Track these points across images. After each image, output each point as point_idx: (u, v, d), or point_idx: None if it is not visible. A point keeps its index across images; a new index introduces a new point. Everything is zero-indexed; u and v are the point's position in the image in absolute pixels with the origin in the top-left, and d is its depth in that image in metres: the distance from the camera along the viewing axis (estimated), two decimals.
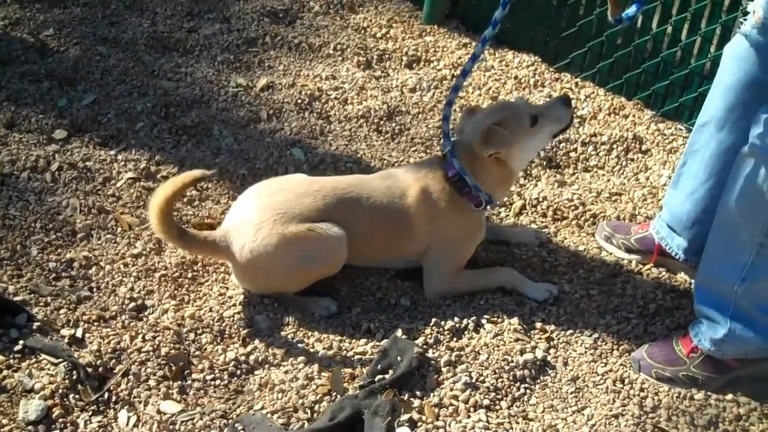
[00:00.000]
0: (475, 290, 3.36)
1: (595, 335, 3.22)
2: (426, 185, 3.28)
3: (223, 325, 3.07)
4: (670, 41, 4.45)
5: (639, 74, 4.60)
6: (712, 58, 4.23)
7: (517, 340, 3.12)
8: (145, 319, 3.08)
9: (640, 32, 4.51)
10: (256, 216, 3.08)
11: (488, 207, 3.40)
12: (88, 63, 4.51)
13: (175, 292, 3.21)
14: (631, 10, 3.09)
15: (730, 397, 3.00)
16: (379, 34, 5.08)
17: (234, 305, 3.16)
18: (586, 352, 3.14)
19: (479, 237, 3.41)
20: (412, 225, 3.26)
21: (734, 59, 3.02)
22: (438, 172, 3.30)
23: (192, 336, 3.01)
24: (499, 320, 3.20)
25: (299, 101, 4.39)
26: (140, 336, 2.96)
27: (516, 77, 4.78)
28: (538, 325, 3.22)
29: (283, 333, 3.07)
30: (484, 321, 3.19)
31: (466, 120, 3.43)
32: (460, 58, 4.89)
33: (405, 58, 4.88)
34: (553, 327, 3.22)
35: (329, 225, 3.11)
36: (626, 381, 3.02)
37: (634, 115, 4.54)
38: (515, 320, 3.19)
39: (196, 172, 3.06)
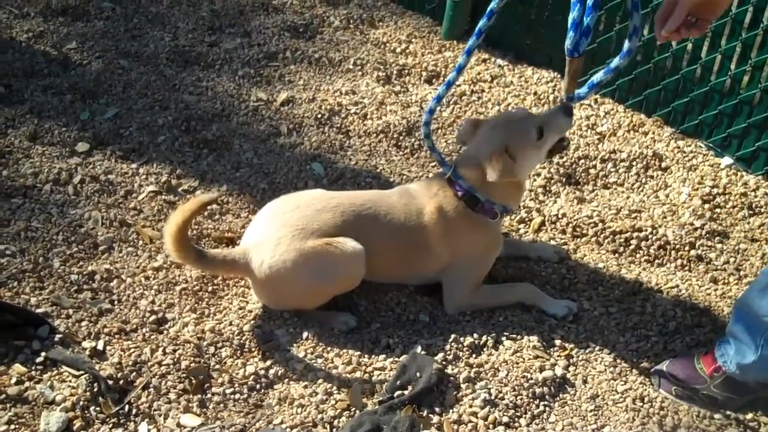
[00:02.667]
0: (494, 305, 3.36)
1: (615, 353, 3.21)
2: (440, 204, 3.29)
3: (243, 338, 3.08)
4: (690, 58, 4.44)
5: (659, 91, 4.59)
6: (732, 75, 4.22)
7: (536, 357, 3.11)
8: (165, 332, 3.09)
9: (660, 49, 4.50)
10: (275, 232, 3.10)
11: (505, 215, 3.39)
12: (111, 76, 4.55)
13: (196, 305, 3.23)
14: (583, 90, 3.10)
15: (750, 416, 2.99)
16: (398, 50, 5.10)
17: (254, 319, 3.17)
18: (605, 369, 3.13)
19: (497, 250, 3.42)
20: (429, 242, 3.27)
21: None
22: (449, 191, 3.31)
23: (212, 350, 3.02)
24: (519, 337, 3.20)
25: (319, 116, 4.41)
26: (161, 349, 2.98)
27: (535, 93, 4.78)
28: (558, 342, 3.21)
29: (302, 347, 3.08)
30: (503, 338, 3.19)
31: (469, 133, 3.39)
32: (479, 73, 4.90)
33: (424, 74, 4.90)
34: (572, 344, 3.21)
35: (347, 240, 3.11)
36: (646, 399, 3.00)
37: (653, 132, 4.53)
38: (534, 337, 3.18)
39: (204, 198, 3.05)
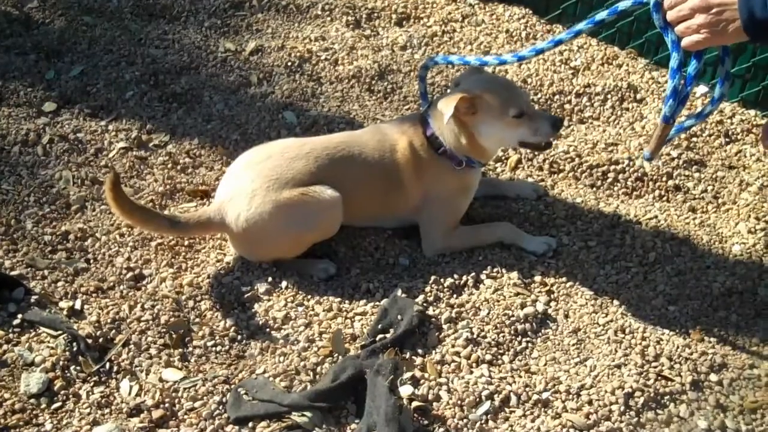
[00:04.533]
0: (473, 246, 3.35)
1: (595, 286, 3.22)
2: (411, 140, 3.26)
3: (222, 291, 3.06)
4: None
5: (631, 22, 4.54)
6: None
7: (517, 294, 3.11)
8: (143, 288, 3.07)
9: None
10: (249, 185, 3.06)
11: (471, 166, 3.31)
12: (74, 34, 4.46)
13: (173, 260, 3.20)
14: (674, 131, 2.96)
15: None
16: None
17: (232, 271, 3.14)
18: (586, 303, 3.13)
19: (470, 193, 3.39)
20: (402, 179, 3.25)
21: None
22: (419, 128, 3.29)
23: (191, 303, 3.00)
24: (499, 275, 3.19)
25: (289, 64, 4.34)
26: (139, 305, 2.95)
27: (507, 31, 4.73)
28: (538, 278, 3.21)
29: (282, 297, 3.06)
30: (483, 276, 3.18)
31: (466, 77, 3.36)
32: (449, 13, 4.83)
33: (394, 16, 4.83)
34: (552, 280, 3.21)
35: (323, 188, 3.08)
36: (627, 331, 3.01)
37: (627, 64, 4.49)
38: (515, 274, 3.18)
39: (107, 182, 2.95)
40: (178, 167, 3.63)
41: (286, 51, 4.43)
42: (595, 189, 3.71)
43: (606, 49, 4.61)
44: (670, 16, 2.54)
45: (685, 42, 2.53)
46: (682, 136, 3.93)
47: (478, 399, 2.70)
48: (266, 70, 4.30)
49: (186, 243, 3.28)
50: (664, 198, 3.68)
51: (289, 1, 4.85)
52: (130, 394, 2.68)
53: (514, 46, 4.61)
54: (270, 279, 3.12)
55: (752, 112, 4.15)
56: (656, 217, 3.53)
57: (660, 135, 2.85)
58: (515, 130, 3.20)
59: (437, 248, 3.32)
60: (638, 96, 4.25)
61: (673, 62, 2.65)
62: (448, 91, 3.41)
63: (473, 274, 3.19)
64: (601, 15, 2.87)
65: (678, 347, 2.97)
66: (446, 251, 3.33)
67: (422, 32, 4.68)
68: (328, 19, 4.77)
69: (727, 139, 3.99)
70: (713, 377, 2.86)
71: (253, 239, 3.10)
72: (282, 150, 3.18)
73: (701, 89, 4.25)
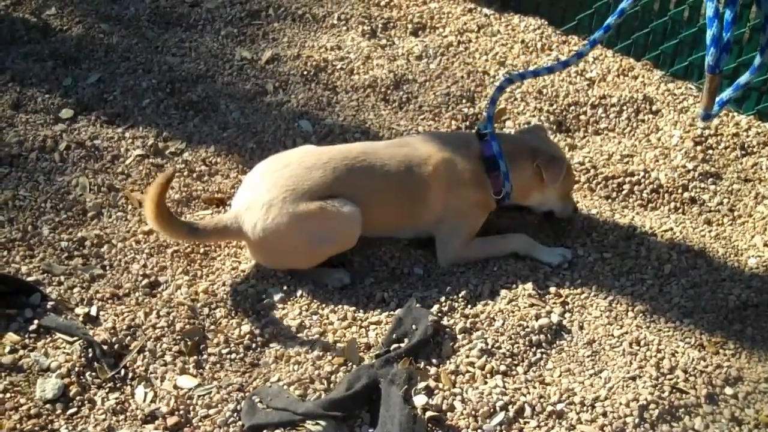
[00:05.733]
0: (488, 257, 3.35)
1: (610, 298, 3.21)
2: (451, 157, 3.25)
3: (237, 298, 3.07)
4: (677, 0, 4.39)
5: (647, 34, 4.55)
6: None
7: (532, 305, 3.10)
8: (158, 295, 3.08)
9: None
10: (266, 194, 3.06)
11: (503, 200, 3.37)
12: (92, 41, 4.48)
13: (188, 267, 3.21)
14: (725, 93, 2.98)
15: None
16: (383, 2, 5.02)
17: (247, 279, 3.15)
18: (601, 315, 3.13)
19: (491, 208, 3.41)
20: (427, 194, 3.24)
21: None
22: (472, 148, 3.30)
23: (206, 311, 3.01)
24: (513, 286, 3.19)
25: (305, 73, 4.35)
26: (154, 312, 2.96)
27: (523, 41, 4.73)
28: (553, 289, 3.20)
29: (297, 305, 3.06)
30: (498, 287, 3.18)
31: (536, 133, 3.49)
32: (465, 24, 4.84)
33: (410, 26, 4.84)
34: (567, 291, 3.21)
35: (342, 202, 3.08)
36: (642, 343, 3.00)
37: (643, 76, 4.49)
38: (529, 285, 3.17)
39: (162, 177, 2.98)
40: (194, 175, 3.64)
41: (301, 60, 4.44)
42: (610, 200, 3.70)
43: (622, 60, 4.61)
44: None
45: None
46: (698, 147, 3.92)
47: (492, 410, 2.69)
48: (282, 78, 4.31)
49: (201, 250, 3.29)
50: (680, 210, 3.67)
51: (305, 11, 4.87)
52: (144, 400, 2.69)
53: (529, 57, 4.61)
54: (285, 287, 3.12)
55: None
56: (672, 229, 3.53)
57: (709, 87, 2.83)
58: (555, 204, 3.47)
59: (453, 259, 3.32)
60: (654, 108, 4.24)
61: (710, 11, 2.65)
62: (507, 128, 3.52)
63: (488, 284, 3.19)
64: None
65: (693, 360, 2.95)
66: (462, 262, 3.33)
67: (438, 42, 4.69)
68: (344, 28, 4.78)
69: (743, 152, 3.98)
70: (728, 390, 2.85)
71: (269, 249, 3.10)
72: (300, 159, 3.18)
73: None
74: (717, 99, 2.87)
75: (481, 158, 3.29)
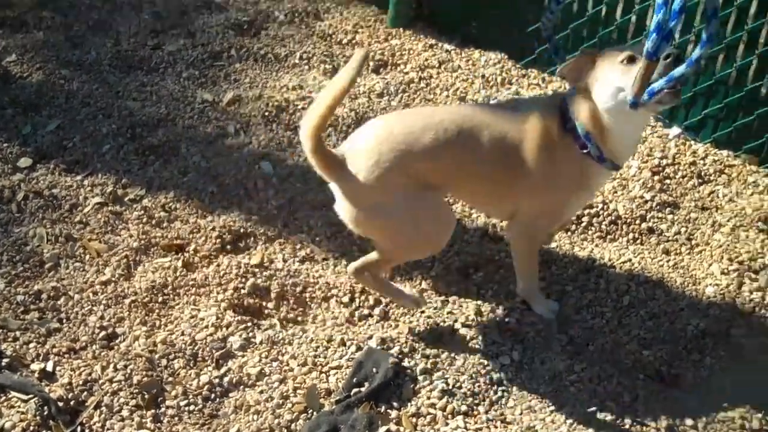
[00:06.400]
0: (526, 266, 3.27)
1: (571, 332, 3.22)
2: (545, 118, 3.02)
3: (196, 348, 3.06)
4: (635, 30, 4.44)
5: None
6: (676, 44, 4.22)
7: (493, 342, 3.11)
8: (116, 347, 3.06)
9: (604, 23, 4.49)
10: (375, 145, 2.93)
11: (600, 160, 2.98)
12: (52, 87, 4.48)
13: (146, 317, 3.19)
14: (658, 84, 2.75)
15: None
16: (345, 41, 5.06)
17: (206, 327, 3.14)
18: (562, 350, 3.14)
19: (585, 193, 3.15)
20: (526, 163, 3.00)
21: None
22: (556, 107, 3.05)
23: (164, 362, 2.99)
24: (474, 324, 3.19)
25: (267, 113, 4.36)
26: (112, 365, 2.94)
27: (483, 76, 4.77)
28: (514, 325, 3.21)
29: (256, 352, 3.06)
30: (458, 326, 3.19)
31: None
32: (426, 60, 4.87)
33: (371, 63, 4.86)
34: (528, 327, 3.21)
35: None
36: (602, 377, 3.01)
37: None
38: (491, 323, 3.18)
39: (360, 53, 2.86)
40: (153, 221, 3.63)
41: (263, 100, 4.45)
42: (569, 233, 3.72)
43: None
44: None
45: None
46: (655, 177, 3.96)
47: None
48: (243, 120, 4.32)
49: (160, 300, 3.27)
50: (638, 241, 3.69)
51: (267, 51, 4.90)
52: None
53: (490, 91, 4.65)
54: (245, 335, 3.11)
55: (725, 152, 4.18)
56: (630, 260, 3.55)
57: (643, 74, 2.71)
58: (625, 75, 2.83)
59: (525, 243, 3.21)
60: None
61: None
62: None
63: (448, 323, 3.19)
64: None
65: (653, 392, 2.97)
66: (527, 254, 3.24)
67: (399, 79, 4.72)
68: (306, 67, 4.80)
69: (700, 180, 4.02)
70: (688, 421, 2.88)
71: (357, 208, 2.97)
72: (414, 116, 3.10)
73: (674, 131, 4.28)
74: (648, 89, 2.78)
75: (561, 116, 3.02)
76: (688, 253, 3.63)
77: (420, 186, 2.94)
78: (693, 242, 3.68)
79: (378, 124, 3.07)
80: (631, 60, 2.82)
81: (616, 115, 2.91)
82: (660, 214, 3.79)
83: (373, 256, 3.14)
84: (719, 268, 3.52)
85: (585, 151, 2.96)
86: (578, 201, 3.20)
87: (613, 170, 3.07)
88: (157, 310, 3.23)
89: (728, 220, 3.76)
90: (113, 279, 3.33)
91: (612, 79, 2.86)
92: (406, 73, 4.78)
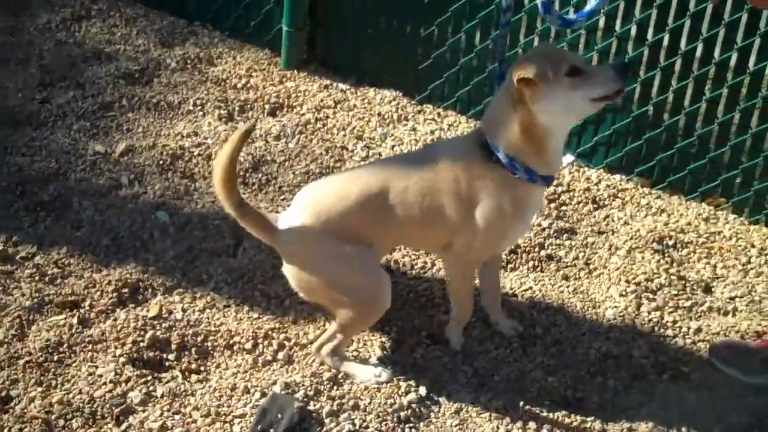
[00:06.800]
0: (459, 298, 3.27)
1: (476, 364, 3.24)
2: (462, 156, 3.03)
3: (95, 406, 2.96)
4: None
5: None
6: None
7: (398, 379, 3.10)
8: (10, 410, 2.93)
9: (491, 58, 4.59)
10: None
11: (531, 181, 2.94)
12: None
13: (42, 377, 3.08)
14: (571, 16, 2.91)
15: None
16: (239, 85, 5.03)
17: (105, 383, 3.04)
18: (467, 382, 3.15)
19: (523, 217, 3.06)
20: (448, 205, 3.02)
21: None
22: (476, 139, 3.03)
23: (62, 422, 2.89)
24: (379, 362, 3.18)
25: (161, 162, 4.29)
26: (6, 430, 2.82)
27: (379, 113, 4.80)
28: (419, 361, 3.21)
29: (158, 406, 2.97)
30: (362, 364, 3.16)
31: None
32: (322, 100, 4.89)
33: (267, 107, 4.85)
34: (434, 362, 3.21)
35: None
36: (508, 407, 3.03)
37: None
38: (396, 360, 3.17)
39: (243, 128, 2.94)
40: (47, 278, 3.52)
41: (157, 149, 4.38)
42: None
43: (475, 125, 4.71)
44: None
45: None
46: (551, 205, 4.03)
47: None
48: (137, 170, 4.24)
49: (56, 359, 3.16)
50: (538, 268, 3.75)
51: (160, 99, 4.83)
52: None
53: (387, 129, 4.68)
54: (144, 389, 3.02)
55: (617, 177, 4.30)
56: (531, 288, 3.60)
57: None
58: (576, 90, 2.81)
59: (459, 271, 3.20)
60: None
61: None
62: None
63: (352, 363, 3.16)
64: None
65: (558, 417, 3.00)
66: (461, 280, 3.22)
67: (296, 121, 4.71)
68: (201, 113, 4.76)
69: (595, 205, 4.12)
70: None
71: (295, 266, 3.11)
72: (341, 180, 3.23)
73: (567, 158, 4.38)
74: (578, 11, 2.96)
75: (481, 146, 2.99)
76: (587, 278, 3.70)
77: (352, 241, 3.01)
78: (591, 266, 3.75)
79: (308, 189, 3.20)
80: (575, 72, 2.81)
81: (559, 122, 2.90)
82: (558, 241, 3.86)
83: (329, 329, 3.16)
84: (617, 290, 3.60)
85: (516, 176, 2.93)
86: (514, 233, 3.14)
87: (545, 185, 3.05)
88: (53, 370, 3.11)
89: (624, 243, 3.86)
90: (6, 340, 3.20)
91: (565, 101, 2.82)
92: (302, 114, 4.78)
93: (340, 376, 3.11)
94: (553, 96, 2.80)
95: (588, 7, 3.03)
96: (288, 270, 3.11)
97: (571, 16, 3.05)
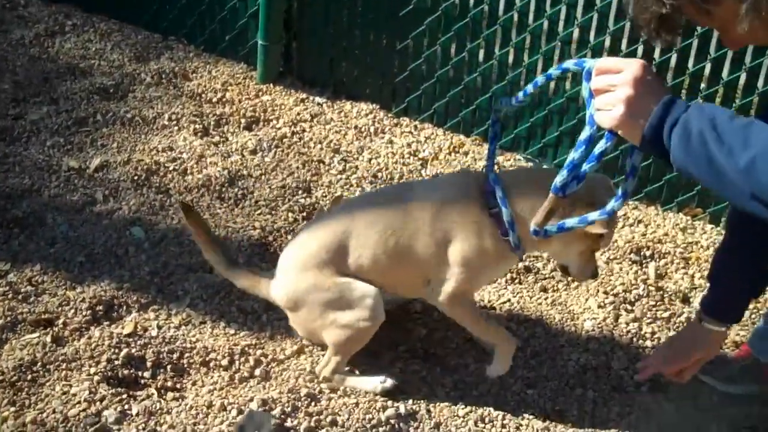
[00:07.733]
0: (473, 328, 3.22)
1: (456, 377, 3.22)
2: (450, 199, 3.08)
3: (69, 425, 2.90)
4: (497, 76, 4.55)
5: (473, 111, 4.68)
6: (541, 87, 4.33)
7: (376, 394, 3.07)
8: None
9: (468, 71, 4.59)
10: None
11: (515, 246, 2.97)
12: None
13: (14, 397, 3.02)
14: (571, 222, 2.65)
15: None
16: (215, 99, 5.01)
17: (79, 402, 2.98)
18: (447, 395, 3.13)
19: (499, 267, 3.17)
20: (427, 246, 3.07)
21: None
22: (478, 180, 3.05)
23: None
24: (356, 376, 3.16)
25: (136, 177, 4.25)
26: None
27: (356, 127, 4.79)
28: (399, 376, 3.18)
29: (133, 425, 2.93)
30: None
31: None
32: (298, 114, 4.87)
33: (243, 120, 4.83)
34: (412, 376, 3.19)
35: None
36: (488, 420, 3.01)
37: (473, 151, 4.61)
38: (374, 375, 3.15)
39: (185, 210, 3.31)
40: (20, 296, 3.46)
41: (132, 165, 4.35)
42: None
43: (452, 137, 4.73)
44: (595, 83, 2.27)
45: (598, 117, 2.25)
46: None
47: None
48: (112, 186, 4.20)
49: (29, 377, 3.10)
50: (516, 281, 3.74)
51: (135, 114, 4.79)
52: None
53: (363, 142, 4.67)
54: (120, 408, 2.98)
55: None
56: (509, 300, 3.59)
57: (548, 206, 2.54)
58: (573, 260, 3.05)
59: (457, 305, 3.13)
60: None
61: (583, 135, 2.33)
62: None
63: None
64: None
65: (538, 430, 2.98)
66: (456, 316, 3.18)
67: (272, 134, 4.69)
68: (176, 128, 4.72)
69: None
70: None
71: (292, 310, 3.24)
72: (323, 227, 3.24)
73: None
74: (559, 223, 2.64)
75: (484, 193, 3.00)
76: (565, 290, 3.69)
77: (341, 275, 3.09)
78: (569, 277, 3.74)
79: (295, 241, 3.30)
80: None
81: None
82: (536, 253, 3.85)
83: (327, 354, 3.16)
84: (596, 301, 3.60)
85: (505, 237, 2.93)
86: (492, 271, 3.18)
87: (519, 257, 3.07)
88: (26, 389, 3.06)
89: (602, 254, 3.85)
90: None
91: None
92: (279, 128, 4.76)
93: (317, 391, 3.08)
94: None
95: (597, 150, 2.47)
96: (290, 318, 3.27)
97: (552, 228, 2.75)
